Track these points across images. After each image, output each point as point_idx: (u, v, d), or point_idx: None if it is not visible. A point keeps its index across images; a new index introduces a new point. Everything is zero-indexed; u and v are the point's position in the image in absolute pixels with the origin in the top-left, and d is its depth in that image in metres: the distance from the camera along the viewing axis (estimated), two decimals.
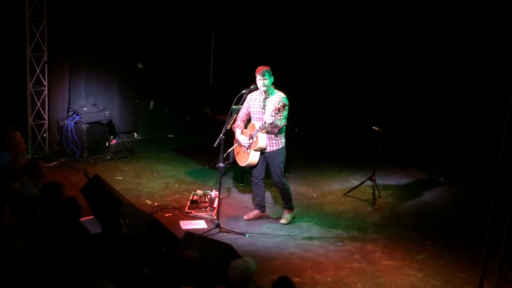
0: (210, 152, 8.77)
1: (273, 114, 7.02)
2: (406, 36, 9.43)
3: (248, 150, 7.41)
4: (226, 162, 7.42)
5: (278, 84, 7.37)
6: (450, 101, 9.03)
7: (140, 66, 10.61)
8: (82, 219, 6.06)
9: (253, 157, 7.41)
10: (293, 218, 7.73)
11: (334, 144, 10.63)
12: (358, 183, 8.73)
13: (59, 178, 7.63)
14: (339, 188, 8.88)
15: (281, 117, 7.16)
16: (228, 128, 7.41)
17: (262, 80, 7.19)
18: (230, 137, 7.64)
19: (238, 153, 7.62)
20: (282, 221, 7.67)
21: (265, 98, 7.31)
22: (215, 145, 7.37)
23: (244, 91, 7.38)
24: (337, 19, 10.40)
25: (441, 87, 9.13)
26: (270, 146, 7.35)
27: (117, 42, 10.03)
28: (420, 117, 9.45)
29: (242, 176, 8.86)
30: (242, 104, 7.45)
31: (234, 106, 7.52)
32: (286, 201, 7.69)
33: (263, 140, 7.29)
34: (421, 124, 9.44)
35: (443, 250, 7.19)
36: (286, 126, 7.34)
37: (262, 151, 7.38)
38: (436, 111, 9.25)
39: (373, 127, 8.30)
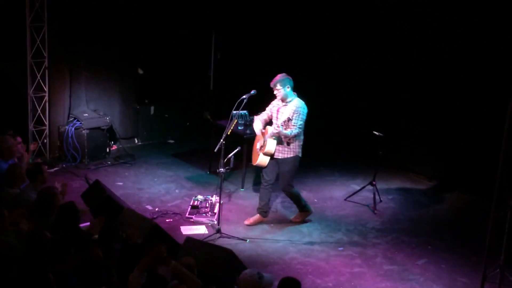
0: (211, 157, 8.80)
1: (278, 125, 7.05)
2: (406, 41, 9.43)
3: (259, 151, 7.46)
4: (226, 167, 7.42)
5: None
6: (450, 106, 9.01)
7: (140, 71, 10.62)
8: (81, 224, 6.03)
9: (262, 160, 7.44)
10: (303, 219, 7.77)
11: (334, 149, 10.63)
12: (359, 188, 8.73)
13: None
14: (339, 193, 8.87)
15: (294, 126, 7.15)
16: (229, 133, 7.41)
17: (275, 90, 7.25)
18: (231, 142, 7.64)
19: (253, 150, 7.67)
20: (292, 218, 7.80)
21: (284, 106, 7.33)
22: (215, 150, 7.37)
23: (244, 96, 7.38)
24: (338, 24, 10.41)
25: (441, 91, 9.12)
26: (281, 153, 7.36)
27: (118, 48, 10.04)
28: (421, 121, 9.43)
29: (243, 181, 8.85)
30: (242, 109, 7.48)
31: (234, 111, 7.53)
32: (298, 205, 7.74)
33: (271, 145, 7.30)
34: (421, 129, 9.42)
35: (444, 255, 7.18)
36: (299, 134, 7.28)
37: (272, 156, 7.40)
38: (436, 115, 9.24)
39: (374, 132, 8.30)
